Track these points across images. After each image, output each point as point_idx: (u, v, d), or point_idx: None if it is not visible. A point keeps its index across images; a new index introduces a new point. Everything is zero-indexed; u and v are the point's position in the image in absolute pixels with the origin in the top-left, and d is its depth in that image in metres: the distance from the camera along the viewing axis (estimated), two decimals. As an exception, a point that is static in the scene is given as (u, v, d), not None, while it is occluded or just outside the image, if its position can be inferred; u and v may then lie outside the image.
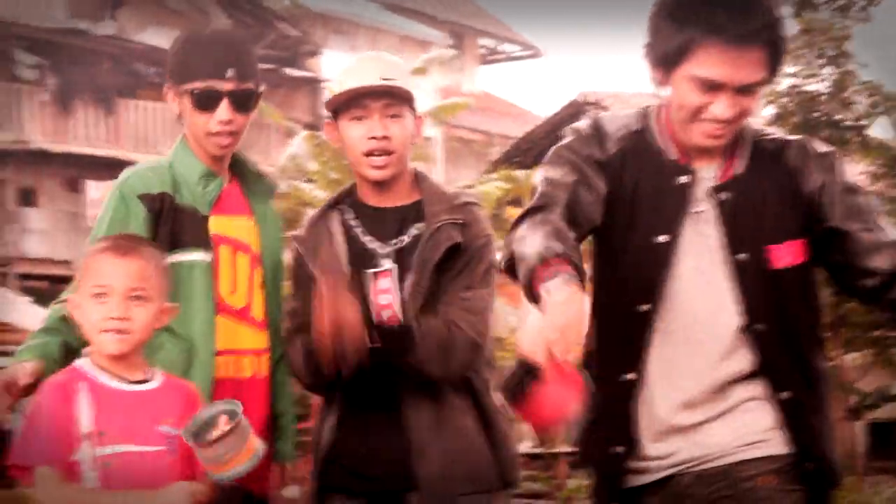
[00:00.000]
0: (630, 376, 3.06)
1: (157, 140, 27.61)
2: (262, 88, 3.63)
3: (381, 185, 3.69)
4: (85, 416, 3.09)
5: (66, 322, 3.28)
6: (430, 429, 3.54)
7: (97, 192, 26.28)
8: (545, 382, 2.72)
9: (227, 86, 3.46)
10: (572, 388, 2.75)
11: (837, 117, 11.96)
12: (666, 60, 3.03)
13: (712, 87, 2.97)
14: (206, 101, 3.47)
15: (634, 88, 27.42)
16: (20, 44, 26.24)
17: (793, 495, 2.98)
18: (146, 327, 3.14)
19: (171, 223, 3.44)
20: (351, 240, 3.66)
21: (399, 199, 3.71)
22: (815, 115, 11.92)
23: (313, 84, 30.34)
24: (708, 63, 2.96)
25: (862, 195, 3.09)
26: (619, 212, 3.09)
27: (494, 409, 3.58)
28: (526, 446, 14.95)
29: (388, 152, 3.62)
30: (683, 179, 3.07)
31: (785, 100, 12.03)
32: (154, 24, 29.09)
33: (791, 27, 12.13)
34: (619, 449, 3.07)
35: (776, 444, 3.00)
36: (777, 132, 3.21)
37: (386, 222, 3.69)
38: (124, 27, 28.73)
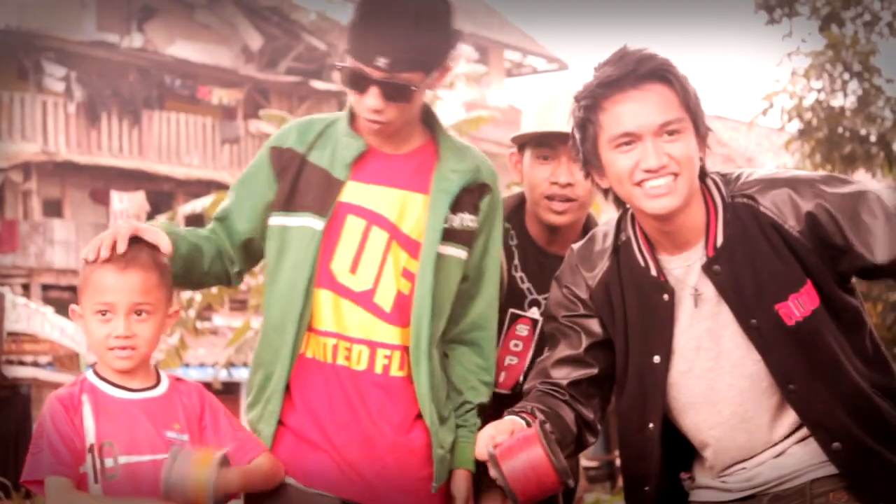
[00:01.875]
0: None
1: (184, 151, 27.70)
2: (428, 82, 3.24)
3: (553, 229, 3.60)
4: (90, 428, 3.07)
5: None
6: None
7: (122, 203, 26.35)
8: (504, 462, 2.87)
9: (376, 74, 3.15)
10: (523, 449, 2.87)
11: (863, 132, 11.89)
12: (589, 150, 3.03)
13: (630, 137, 2.97)
14: (355, 83, 3.20)
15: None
16: (48, 55, 26.33)
17: None
18: (152, 340, 3.12)
19: (293, 182, 3.25)
20: (507, 269, 3.57)
21: (567, 246, 3.54)
22: (840, 130, 11.86)
23: (340, 97, 30.36)
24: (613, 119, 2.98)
25: (842, 197, 2.99)
26: (616, 335, 3.12)
27: None
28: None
29: (569, 199, 3.54)
30: (666, 297, 3.04)
31: (809, 114, 11.97)
32: (182, 37, 29.17)
33: (817, 41, 12.10)
34: None
35: None
36: (736, 175, 3.11)
37: (546, 270, 3.54)
38: (152, 40, 28.81)
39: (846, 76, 11.92)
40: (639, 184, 2.97)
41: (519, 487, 2.86)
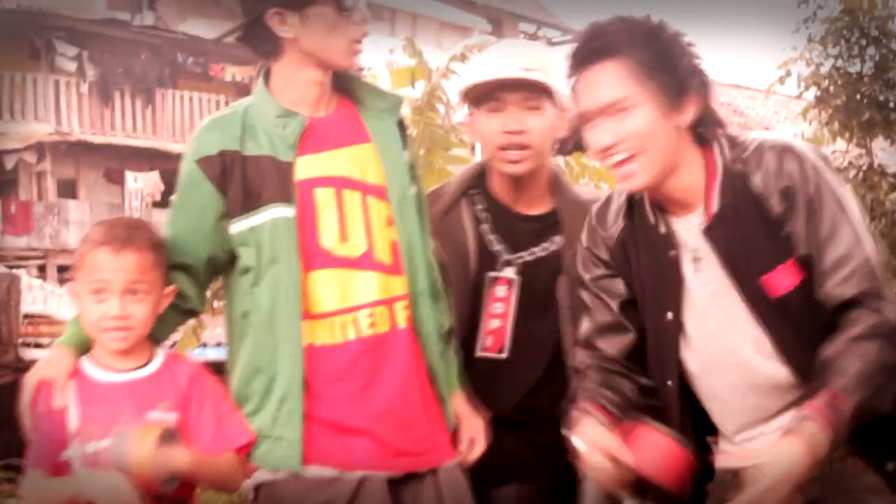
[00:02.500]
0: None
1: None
2: None
3: (515, 184, 3.60)
4: (73, 414, 3.06)
5: None
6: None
7: (136, 183, 26.45)
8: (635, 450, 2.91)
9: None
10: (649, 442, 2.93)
11: (881, 98, 11.83)
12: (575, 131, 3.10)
13: (586, 118, 2.99)
14: (347, 1, 3.13)
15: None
16: (59, 35, 26.36)
17: (876, 476, 2.94)
18: (147, 321, 3.10)
19: (240, 182, 3.11)
20: (478, 235, 3.57)
21: (533, 205, 3.60)
22: (858, 96, 11.81)
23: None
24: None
25: (823, 213, 2.95)
26: (636, 293, 3.15)
27: None
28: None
29: (523, 147, 3.52)
30: (673, 253, 3.06)
31: (826, 82, 11.92)
32: (193, 13, 29.19)
33: (833, 7, 12.06)
34: None
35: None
36: (746, 141, 3.07)
37: (517, 230, 3.59)
38: (163, 17, 28.83)
39: (863, 42, 11.85)
40: (607, 162, 2.99)
41: (671, 479, 2.90)
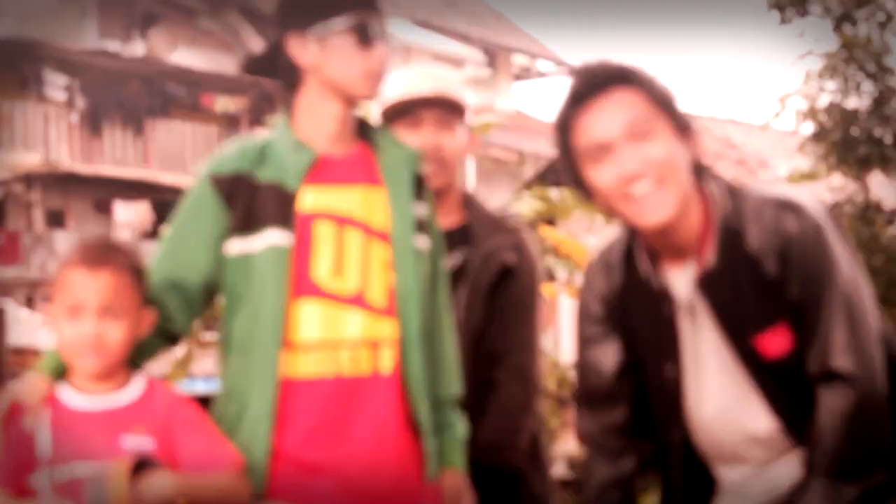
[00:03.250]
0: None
1: (188, 160, 27.76)
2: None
3: None
4: (44, 439, 3.01)
5: None
6: None
7: (126, 213, 26.47)
8: None
9: (378, 18, 3.19)
10: None
11: (877, 134, 11.87)
12: (575, 176, 3.03)
13: (602, 148, 2.94)
14: (366, 35, 3.15)
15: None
16: (49, 64, 26.43)
17: None
18: (123, 343, 3.05)
19: (247, 205, 3.13)
20: None
21: (446, 219, 3.61)
22: (855, 132, 11.85)
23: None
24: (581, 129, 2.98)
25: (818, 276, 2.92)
26: (634, 350, 3.13)
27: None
28: (559, 473, 14.92)
29: (438, 163, 3.59)
30: (667, 307, 3.03)
31: (823, 116, 11.96)
32: (184, 44, 29.30)
33: (830, 42, 12.11)
34: None
35: None
36: (747, 192, 3.02)
37: None
38: (154, 47, 28.91)
39: (860, 77, 11.90)
40: (626, 196, 2.93)
41: None
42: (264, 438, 3.11)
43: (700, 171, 3.01)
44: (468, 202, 3.74)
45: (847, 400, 2.86)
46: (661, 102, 2.95)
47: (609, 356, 3.14)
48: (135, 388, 3.10)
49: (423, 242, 3.25)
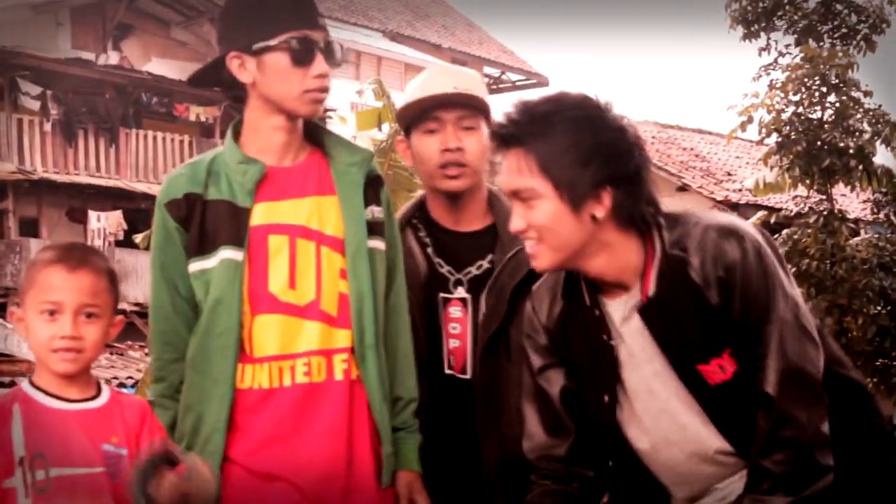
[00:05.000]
0: None
1: (161, 169, 27.67)
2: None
3: (455, 204, 3.62)
4: (18, 439, 2.97)
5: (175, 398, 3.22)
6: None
7: (99, 222, 26.32)
8: None
9: (320, 36, 3.17)
10: None
11: (841, 145, 11.93)
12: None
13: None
14: (303, 55, 3.14)
15: (640, 116, 27.52)
16: (23, 74, 26.29)
17: None
18: (97, 345, 3.04)
19: (200, 224, 3.17)
20: (427, 260, 3.59)
21: (473, 222, 3.63)
22: (818, 143, 11.90)
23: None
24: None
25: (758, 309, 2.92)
26: (576, 375, 3.12)
27: None
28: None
29: (461, 164, 3.54)
30: (606, 336, 3.03)
31: (787, 128, 12.01)
32: (158, 54, 29.20)
33: (794, 55, 12.16)
34: None
35: None
36: (689, 221, 2.99)
37: (459, 248, 3.61)
38: (128, 57, 28.82)
39: (824, 89, 11.96)
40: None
41: None
42: (218, 448, 3.14)
43: (639, 207, 2.97)
44: (493, 204, 3.68)
45: (773, 423, 2.88)
46: (559, 163, 2.89)
47: (557, 383, 3.14)
48: (104, 396, 3.09)
49: (377, 244, 3.26)
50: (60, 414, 3.02)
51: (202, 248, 3.16)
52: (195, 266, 3.18)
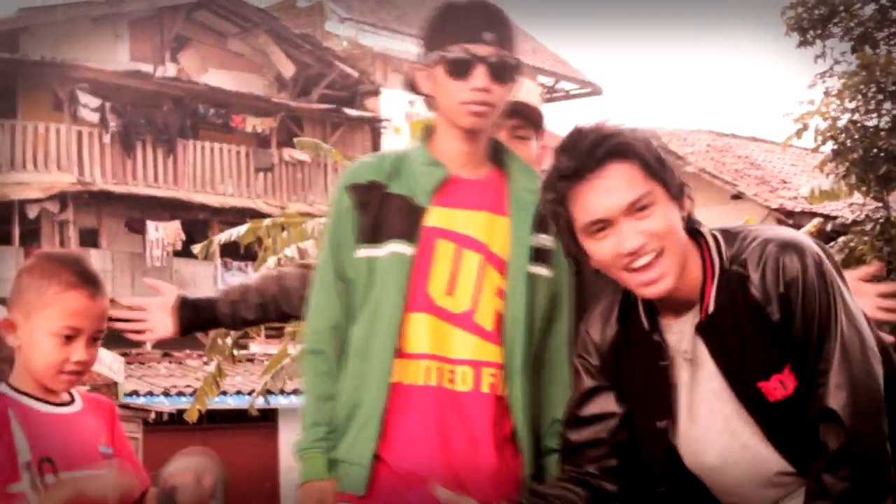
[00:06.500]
0: None
1: (218, 180, 27.84)
2: (518, 61, 3.28)
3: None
4: (21, 444, 2.99)
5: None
6: None
7: (158, 232, 26.51)
8: None
9: (483, 50, 3.18)
10: None
11: (898, 152, 11.85)
12: (568, 239, 3.01)
13: (602, 224, 2.92)
14: (460, 67, 3.19)
15: (692, 125, 27.41)
16: (82, 86, 26.53)
17: None
18: (93, 364, 3.09)
19: (376, 213, 3.22)
20: None
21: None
22: (875, 150, 11.82)
23: (373, 123, 30.48)
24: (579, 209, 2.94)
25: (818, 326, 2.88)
26: (627, 399, 3.10)
27: None
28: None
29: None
30: (664, 362, 3.01)
31: (843, 135, 11.94)
32: (215, 65, 29.40)
33: (850, 62, 12.09)
34: None
35: None
36: (746, 236, 2.99)
37: None
38: (185, 69, 29.02)
39: (880, 97, 11.88)
40: (626, 268, 2.92)
41: None
42: (373, 436, 3.18)
43: (694, 225, 3.00)
44: None
45: (837, 438, 2.84)
46: (656, 172, 2.92)
47: (603, 408, 3.13)
48: (77, 398, 3.14)
49: (540, 271, 3.26)
50: (56, 418, 3.07)
51: (374, 236, 3.22)
52: (364, 252, 3.23)
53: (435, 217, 3.23)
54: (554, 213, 2.99)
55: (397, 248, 3.19)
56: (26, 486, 2.96)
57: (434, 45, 3.24)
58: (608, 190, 2.89)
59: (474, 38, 3.19)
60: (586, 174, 2.90)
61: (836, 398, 2.84)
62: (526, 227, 3.26)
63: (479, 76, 3.18)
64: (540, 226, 3.26)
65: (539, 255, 3.27)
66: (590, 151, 2.91)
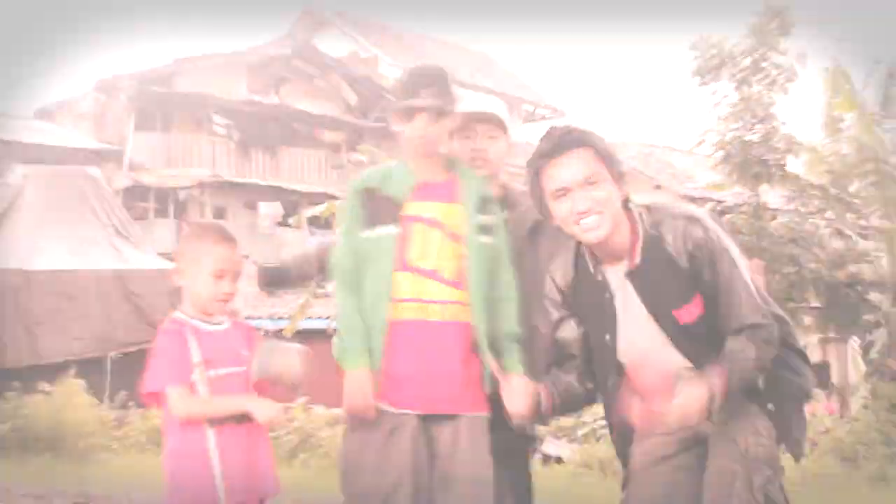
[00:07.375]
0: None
1: (306, 175, 27.82)
2: (453, 108, 3.28)
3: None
4: (194, 349, 3.00)
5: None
6: None
7: (266, 209, 26.51)
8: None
9: (421, 102, 3.21)
10: None
11: (765, 158, 11.89)
12: (539, 202, 2.97)
13: (562, 191, 2.90)
14: (405, 115, 3.24)
15: (628, 137, 27.26)
16: (214, 110, 26.51)
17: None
18: (235, 294, 3.10)
19: (372, 207, 3.25)
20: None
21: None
22: (750, 157, 11.86)
23: (410, 136, 30.24)
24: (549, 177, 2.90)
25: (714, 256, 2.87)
26: (583, 323, 3.07)
27: None
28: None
29: (486, 161, 3.53)
30: (608, 294, 2.98)
31: (730, 146, 11.98)
32: (305, 96, 29.29)
33: (734, 96, 12.09)
34: None
35: None
36: (661, 210, 2.96)
37: None
38: (285, 98, 28.95)
39: (754, 120, 11.90)
40: (576, 223, 2.92)
41: None
42: (378, 355, 3.21)
43: (627, 201, 2.99)
44: (505, 186, 3.64)
45: (741, 324, 2.85)
46: (604, 159, 2.91)
47: (569, 331, 3.11)
48: (226, 321, 3.13)
49: (486, 240, 3.30)
50: (213, 333, 3.08)
51: (373, 222, 3.25)
52: (367, 233, 3.26)
53: (411, 208, 3.26)
54: (532, 183, 2.99)
55: (388, 230, 3.23)
56: (197, 377, 2.99)
57: (396, 98, 3.28)
58: (569, 167, 2.90)
59: (415, 94, 3.21)
60: (556, 155, 2.91)
61: (752, 316, 2.84)
62: (474, 210, 3.29)
63: (419, 120, 3.22)
64: (482, 209, 3.30)
65: (483, 229, 3.29)
66: (560, 140, 2.92)
